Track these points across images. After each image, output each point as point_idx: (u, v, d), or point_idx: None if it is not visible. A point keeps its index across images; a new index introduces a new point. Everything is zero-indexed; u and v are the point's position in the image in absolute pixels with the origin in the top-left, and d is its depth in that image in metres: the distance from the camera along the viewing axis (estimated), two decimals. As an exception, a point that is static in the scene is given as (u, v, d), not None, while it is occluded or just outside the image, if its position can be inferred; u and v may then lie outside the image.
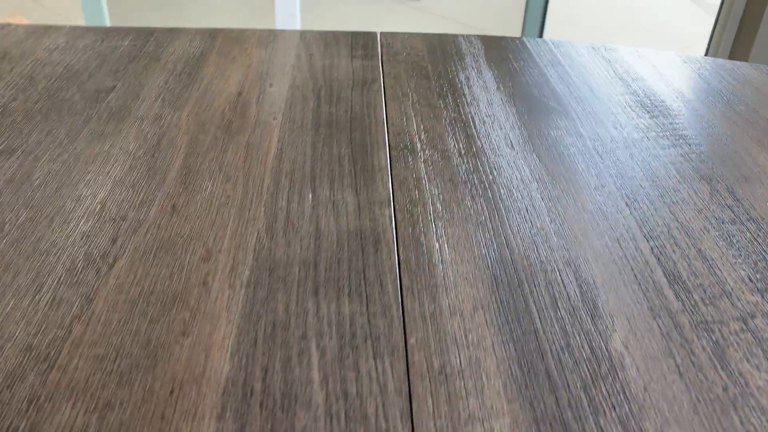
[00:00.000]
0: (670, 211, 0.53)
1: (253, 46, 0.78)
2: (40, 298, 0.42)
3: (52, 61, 0.72)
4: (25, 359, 0.37)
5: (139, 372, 0.37)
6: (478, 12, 3.36)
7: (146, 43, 0.78)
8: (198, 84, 0.69)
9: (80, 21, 2.41)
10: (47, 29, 0.81)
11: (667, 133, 0.64)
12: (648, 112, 0.68)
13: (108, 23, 1.88)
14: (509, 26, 3.22)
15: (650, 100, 0.70)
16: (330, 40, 0.81)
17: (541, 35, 2.12)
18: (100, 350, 0.38)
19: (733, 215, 0.53)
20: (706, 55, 1.72)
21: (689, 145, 0.62)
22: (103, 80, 0.69)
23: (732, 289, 0.45)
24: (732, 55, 1.66)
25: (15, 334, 0.39)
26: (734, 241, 0.50)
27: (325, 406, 0.35)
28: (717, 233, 0.50)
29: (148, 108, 0.64)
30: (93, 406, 0.35)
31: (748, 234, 0.50)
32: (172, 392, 0.36)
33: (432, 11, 3.39)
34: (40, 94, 0.65)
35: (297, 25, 1.86)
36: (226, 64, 0.73)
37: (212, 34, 0.81)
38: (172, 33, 0.81)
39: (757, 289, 0.45)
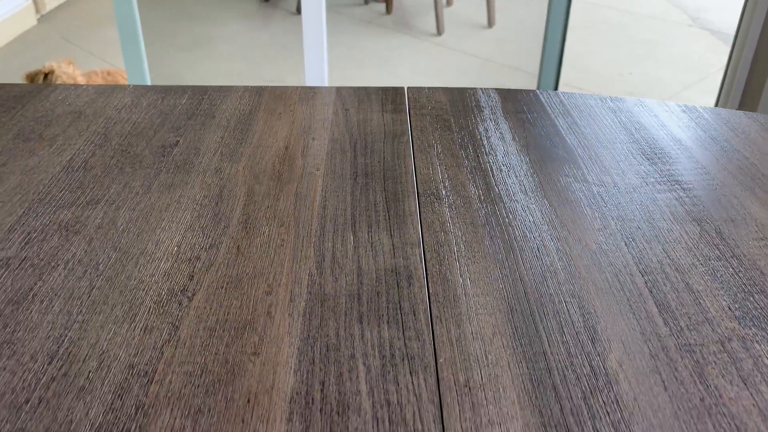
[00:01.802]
0: (663, 250, 0.61)
1: (296, 103, 0.88)
2: (135, 326, 0.51)
3: (121, 119, 0.83)
4: (130, 375, 0.46)
5: (221, 385, 0.46)
6: (496, 46, 3.47)
7: (201, 101, 0.88)
8: (250, 139, 0.78)
9: (121, 64, 2.57)
10: (113, 89, 0.91)
11: (664, 179, 0.72)
12: (648, 159, 0.76)
13: (146, 63, 2.02)
14: (528, 58, 3.32)
15: (651, 148, 0.79)
16: (363, 96, 0.90)
17: (559, 68, 2.20)
18: (189, 368, 0.47)
19: (719, 253, 0.60)
20: (716, 103, 1.80)
21: (683, 189, 0.70)
22: (167, 136, 0.79)
23: (713, 316, 0.53)
24: (741, 105, 1.74)
25: (119, 355, 0.48)
26: (718, 275, 0.58)
27: (372, 412, 0.44)
28: (704, 269, 0.58)
29: (209, 162, 0.73)
30: (187, 413, 0.44)
31: (731, 269, 0.58)
32: (248, 401, 0.44)
33: (452, 47, 3.51)
34: (115, 150, 0.76)
35: (325, 71, 1.98)
36: (273, 121, 0.83)
37: (258, 91, 0.91)
38: (223, 91, 0.91)
39: (735, 317, 0.53)
